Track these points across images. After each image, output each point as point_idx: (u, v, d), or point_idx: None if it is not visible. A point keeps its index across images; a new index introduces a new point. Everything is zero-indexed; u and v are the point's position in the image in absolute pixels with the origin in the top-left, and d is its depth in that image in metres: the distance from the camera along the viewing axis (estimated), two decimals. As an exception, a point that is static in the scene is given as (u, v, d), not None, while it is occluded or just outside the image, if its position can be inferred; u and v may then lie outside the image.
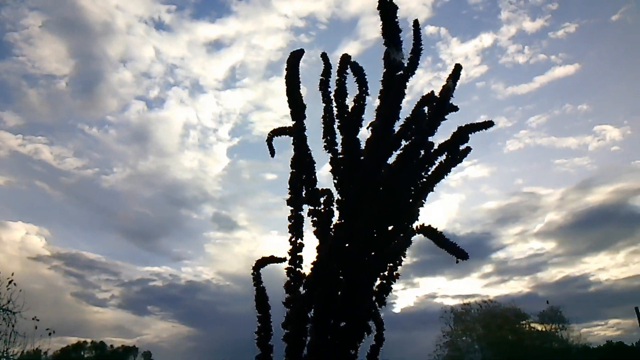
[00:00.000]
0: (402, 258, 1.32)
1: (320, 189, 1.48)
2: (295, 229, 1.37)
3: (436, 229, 1.21)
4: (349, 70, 1.51)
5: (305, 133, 1.51)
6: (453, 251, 1.18)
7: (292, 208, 1.41)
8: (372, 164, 1.36)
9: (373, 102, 1.51)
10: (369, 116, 1.49)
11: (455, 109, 1.39)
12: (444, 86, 1.29)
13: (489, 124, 1.27)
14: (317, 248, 1.33)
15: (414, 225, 1.25)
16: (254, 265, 1.38)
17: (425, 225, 1.22)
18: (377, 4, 1.23)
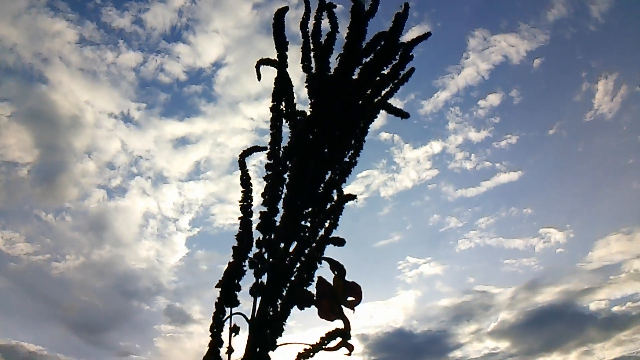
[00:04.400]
0: (360, 147, 1.66)
1: (297, 109, 1.82)
2: (275, 127, 1.70)
3: (390, 104, 1.57)
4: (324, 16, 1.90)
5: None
6: (397, 113, 1.54)
7: (272, 115, 1.74)
8: (339, 79, 1.73)
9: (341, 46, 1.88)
10: (337, 53, 1.86)
11: (404, 45, 1.76)
12: (395, 16, 1.69)
13: (427, 35, 1.65)
14: (290, 139, 1.65)
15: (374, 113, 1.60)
16: (240, 154, 1.69)
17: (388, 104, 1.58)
18: None
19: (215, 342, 1.44)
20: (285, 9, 1.92)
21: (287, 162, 1.61)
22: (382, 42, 1.80)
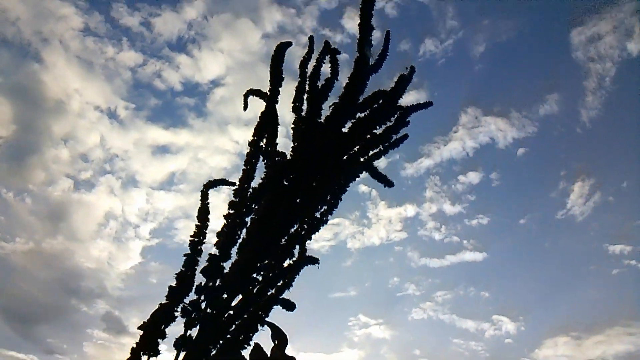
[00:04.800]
0: (335, 205, 1.52)
1: (278, 150, 1.69)
2: (249, 164, 1.56)
3: (374, 166, 1.45)
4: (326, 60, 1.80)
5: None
6: (381, 179, 1.41)
7: (250, 150, 1.60)
8: (328, 129, 1.61)
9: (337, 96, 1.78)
10: (332, 101, 1.75)
11: (402, 108, 1.67)
12: (399, 77, 1.60)
13: (428, 104, 1.56)
14: (263, 179, 1.51)
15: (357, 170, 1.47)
16: (205, 184, 1.54)
17: (364, 161, 1.45)
18: (361, 4, 1.56)
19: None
20: (288, 44, 1.82)
21: (254, 205, 1.45)
22: (380, 101, 1.71)
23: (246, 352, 1.25)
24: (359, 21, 1.66)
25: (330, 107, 1.71)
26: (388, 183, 1.44)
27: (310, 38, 1.76)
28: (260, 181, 1.47)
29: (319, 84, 1.75)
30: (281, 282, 1.34)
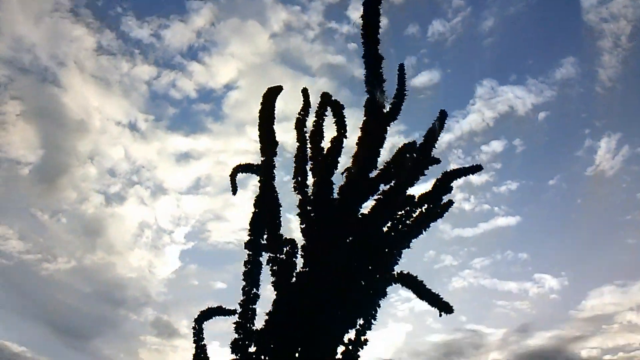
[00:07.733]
0: (376, 310, 1.15)
1: (284, 236, 1.33)
2: (251, 276, 1.20)
3: (416, 277, 1.07)
4: (328, 112, 1.43)
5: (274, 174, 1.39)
6: (436, 304, 1.04)
7: (250, 252, 1.25)
8: (345, 210, 1.23)
9: (351, 149, 1.42)
10: (346, 161, 1.38)
11: (437, 161, 1.30)
12: (428, 129, 1.21)
13: (477, 169, 1.17)
14: (274, 301, 1.16)
15: (392, 274, 1.11)
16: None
17: (405, 273, 1.08)
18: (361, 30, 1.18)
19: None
20: (278, 89, 1.43)
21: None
22: (408, 155, 1.32)
23: None
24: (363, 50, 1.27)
25: (343, 173, 1.34)
26: (445, 308, 1.05)
27: (304, 91, 1.38)
28: (269, 311, 1.11)
29: (324, 145, 1.37)
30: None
